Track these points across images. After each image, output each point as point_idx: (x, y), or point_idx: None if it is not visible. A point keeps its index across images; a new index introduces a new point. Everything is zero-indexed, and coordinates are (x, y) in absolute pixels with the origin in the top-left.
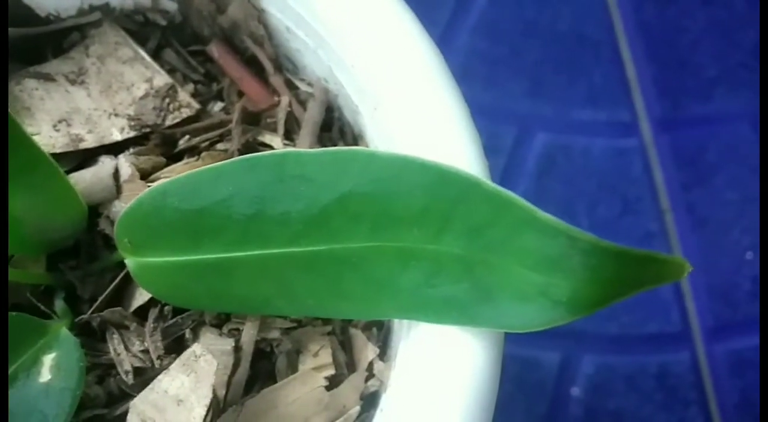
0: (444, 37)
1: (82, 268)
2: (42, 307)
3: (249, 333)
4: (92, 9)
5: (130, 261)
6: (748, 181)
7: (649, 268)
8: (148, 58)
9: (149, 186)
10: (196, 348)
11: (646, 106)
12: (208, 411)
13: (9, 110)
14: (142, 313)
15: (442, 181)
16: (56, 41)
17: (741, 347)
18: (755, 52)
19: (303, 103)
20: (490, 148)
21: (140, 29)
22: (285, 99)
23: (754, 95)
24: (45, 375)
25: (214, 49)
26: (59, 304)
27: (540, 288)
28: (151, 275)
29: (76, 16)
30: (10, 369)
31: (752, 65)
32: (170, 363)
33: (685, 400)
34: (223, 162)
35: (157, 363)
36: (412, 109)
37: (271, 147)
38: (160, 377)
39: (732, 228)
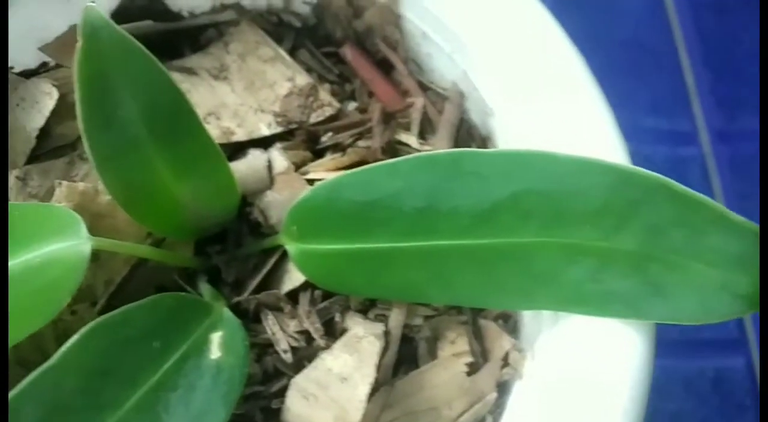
0: None
1: (228, 253)
2: (188, 289)
3: (397, 319)
4: (224, 7)
5: (293, 247)
6: None
7: None
8: (288, 58)
9: (305, 178)
10: (357, 330)
11: (705, 116)
12: (372, 389)
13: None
14: (291, 297)
15: (624, 181)
16: (193, 37)
17: None
18: None
19: (434, 104)
20: None
21: (275, 30)
22: (420, 100)
23: None
24: (215, 352)
25: (348, 51)
26: (204, 287)
27: (720, 283)
28: (312, 261)
29: (210, 13)
30: (183, 347)
31: None
32: (327, 344)
33: (740, 405)
34: (397, 159)
35: (322, 342)
36: (554, 108)
37: (407, 145)
38: (323, 356)
39: None
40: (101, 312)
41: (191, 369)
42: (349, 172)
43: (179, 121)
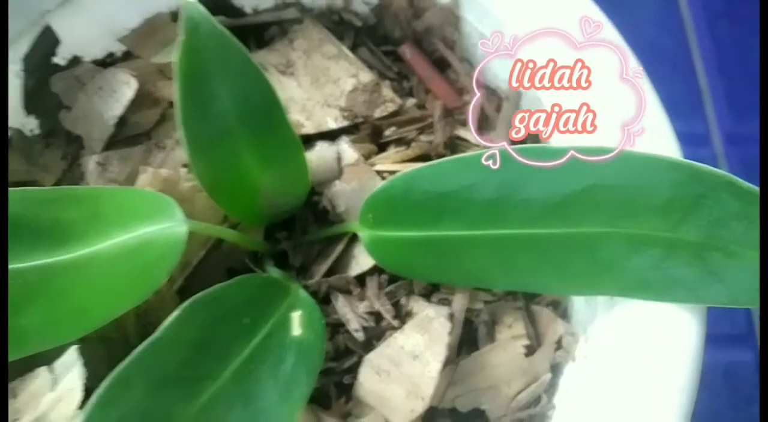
0: None
1: (295, 239)
2: (259, 272)
3: (460, 303)
4: (286, 5)
5: (366, 234)
6: None
7: None
8: (351, 55)
9: (374, 169)
10: (428, 311)
11: (718, 119)
12: (443, 366)
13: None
14: (359, 281)
15: (692, 177)
16: (257, 34)
17: None
18: None
19: (489, 102)
20: None
21: (335, 28)
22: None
23: None
24: (296, 329)
25: (406, 50)
26: (273, 270)
27: None
28: (384, 247)
29: (273, 10)
30: (269, 323)
31: None
32: (398, 325)
33: (749, 398)
34: (471, 153)
35: (395, 322)
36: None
37: (466, 140)
38: (395, 335)
39: None
40: (179, 293)
41: (277, 345)
42: (425, 164)
43: (268, 114)
